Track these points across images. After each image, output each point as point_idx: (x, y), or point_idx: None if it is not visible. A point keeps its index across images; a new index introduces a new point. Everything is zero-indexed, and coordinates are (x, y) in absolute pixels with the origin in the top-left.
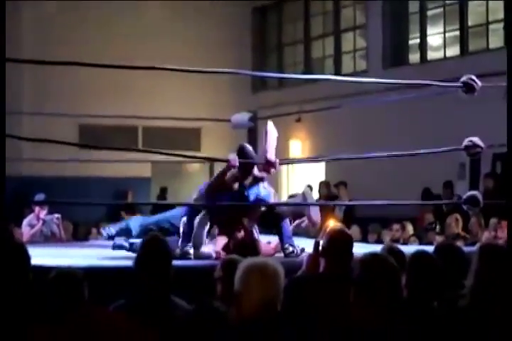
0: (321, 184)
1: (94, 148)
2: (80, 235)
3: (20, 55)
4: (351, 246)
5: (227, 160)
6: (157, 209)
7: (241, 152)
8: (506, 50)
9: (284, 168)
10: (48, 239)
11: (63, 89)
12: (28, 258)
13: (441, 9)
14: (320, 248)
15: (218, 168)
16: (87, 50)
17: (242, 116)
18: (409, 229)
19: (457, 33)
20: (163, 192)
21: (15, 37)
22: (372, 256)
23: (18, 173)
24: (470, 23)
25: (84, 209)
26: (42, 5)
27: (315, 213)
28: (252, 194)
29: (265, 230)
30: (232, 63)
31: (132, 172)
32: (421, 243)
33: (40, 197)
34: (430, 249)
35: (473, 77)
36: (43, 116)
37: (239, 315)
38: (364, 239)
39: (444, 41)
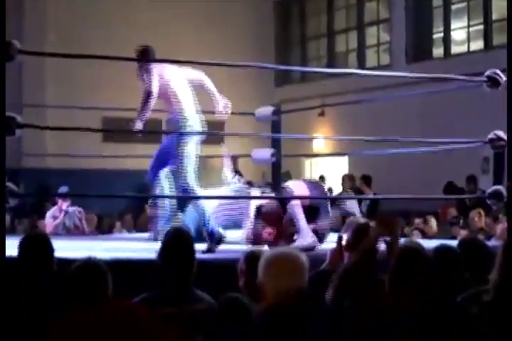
0: (345, 177)
1: (116, 133)
2: (104, 228)
3: (44, 48)
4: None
5: (248, 155)
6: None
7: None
8: (507, 49)
9: (307, 161)
10: (70, 231)
11: (86, 82)
12: (52, 249)
13: (465, 3)
14: (343, 242)
15: (241, 162)
16: (111, 43)
17: (266, 110)
18: (433, 223)
19: (481, 27)
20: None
21: (38, 31)
22: (409, 247)
23: (42, 166)
24: (494, 17)
25: (108, 202)
26: None
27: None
28: None
29: None
30: (255, 57)
31: None
32: (444, 237)
33: (63, 189)
34: (454, 243)
35: (498, 71)
36: (67, 110)
37: (262, 306)
38: None
39: (468, 35)
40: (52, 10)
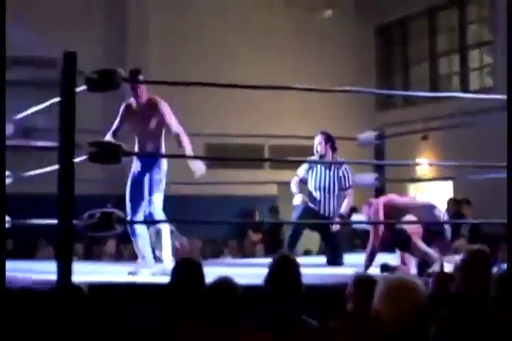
0: (450, 201)
1: (217, 159)
2: (207, 253)
3: (148, 75)
4: (490, 264)
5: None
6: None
7: None
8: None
9: (411, 186)
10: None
11: (189, 108)
12: (202, 275)
13: None
14: (445, 268)
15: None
16: (211, 70)
17: (369, 135)
18: None
19: None
20: (274, 212)
21: (141, 59)
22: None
23: None
24: None
25: (212, 228)
26: (169, 22)
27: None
28: None
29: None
30: (356, 82)
31: (258, 191)
32: None
33: None
34: None
35: None
36: (168, 137)
37: (378, 332)
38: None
39: None
40: (155, 36)
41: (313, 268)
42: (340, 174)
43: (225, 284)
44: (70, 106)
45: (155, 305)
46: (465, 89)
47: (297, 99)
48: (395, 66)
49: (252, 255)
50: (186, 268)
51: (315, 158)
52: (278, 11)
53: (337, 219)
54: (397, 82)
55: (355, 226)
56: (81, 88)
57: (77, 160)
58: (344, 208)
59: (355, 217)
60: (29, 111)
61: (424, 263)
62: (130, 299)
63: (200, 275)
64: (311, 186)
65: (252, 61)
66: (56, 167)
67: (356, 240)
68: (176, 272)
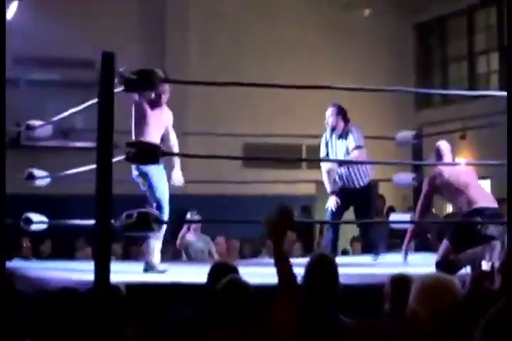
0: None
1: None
2: (245, 253)
3: (187, 74)
4: None
5: (389, 180)
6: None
7: None
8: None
9: None
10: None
11: (227, 109)
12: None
13: None
14: (484, 267)
15: (381, 185)
16: (252, 68)
17: (407, 134)
18: None
19: None
20: (306, 211)
21: (181, 57)
22: None
23: (183, 192)
24: None
25: (250, 228)
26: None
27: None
28: None
29: None
30: (394, 80)
31: (296, 190)
32: None
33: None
34: None
35: None
36: (208, 137)
37: (414, 331)
38: None
39: None
40: (194, 36)
41: (351, 268)
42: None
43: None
44: (108, 107)
45: (192, 306)
46: (503, 87)
47: (335, 99)
48: (433, 65)
49: (289, 254)
50: (221, 272)
51: (327, 131)
52: (317, 9)
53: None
54: (436, 81)
55: (393, 225)
56: (119, 89)
57: (114, 160)
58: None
59: (393, 217)
60: (68, 112)
61: (449, 261)
62: (168, 299)
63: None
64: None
65: (289, 60)
66: (94, 167)
67: (395, 240)
68: (211, 275)
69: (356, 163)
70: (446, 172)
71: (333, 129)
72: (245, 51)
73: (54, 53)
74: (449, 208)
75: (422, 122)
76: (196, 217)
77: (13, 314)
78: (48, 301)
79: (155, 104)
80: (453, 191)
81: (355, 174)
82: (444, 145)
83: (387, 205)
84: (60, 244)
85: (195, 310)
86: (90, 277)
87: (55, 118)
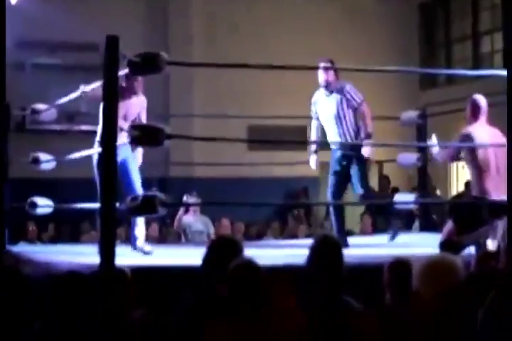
0: None
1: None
2: (251, 235)
3: (191, 56)
4: None
5: (394, 160)
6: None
7: None
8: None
9: (453, 165)
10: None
11: (232, 90)
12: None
13: None
14: (489, 247)
15: (387, 166)
16: (255, 49)
17: (411, 114)
18: None
19: None
20: (304, 193)
21: (184, 41)
22: None
23: (188, 175)
24: None
25: (255, 210)
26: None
27: None
28: None
29: None
30: (399, 60)
31: (301, 172)
32: None
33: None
34: None
35: None
36: (212, 120)
37: (416, 311)
38: None
39: None
40: (198, 19)
41: (356, 249)
42: (346, 95)
43: (248, 265)
44: (112, 90)
45: (196, 288)
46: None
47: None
48: (437, 44)
49: (295, 236)
50: (223, 245)
51: (321, 88)
52: None
53: (364, 142)
54: (440, 61)
55: (398, 206)
56: (123, 71)
57: (119, 143)
58: (367, 128)
59: (397, 197)
60: (72, 96)
61: (453, 242)
62: (174, 282)
63: (239, 251)
64: (322, 120)
65: (295, 41)
66: (99, 150)
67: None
68: (212, 248)
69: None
70: (478, 138)
71: (326, 86)
72: (248, 33)
73: (59, 37)
74: (454, 190)
75: (427, 102)
76: (195, 199)
77: (21, 298)
78: (55, 284)
79: (125, 91)
80: (473, 165)
81: (347, 131)
82: (482, 99)
83: (391, 185)
84: (66, 228)
85: (197, 294)
86: (96, 260)
87: (60, 102)
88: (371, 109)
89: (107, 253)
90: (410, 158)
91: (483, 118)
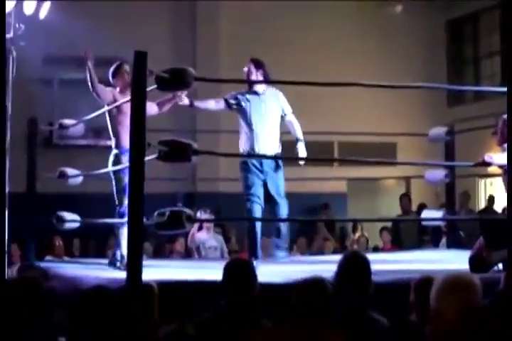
0: None
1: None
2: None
3: (218, 72)
4: None
5: (421, 177)
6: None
7: None
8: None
9: (481, 181)
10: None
11: None
12: (255, 274)
13: None
14: None
15: (414, 183)
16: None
17: (439, 130)
18: None
19: None
20: (325, 208)
21: (212, 56)
22: None
23: (215, 190)
24: None
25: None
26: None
27: None
28: None
29: None
30: (427, 77)
31: (328, 188)
32: None
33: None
34: None
35: None
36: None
37: (436, 331)
38: None
39: None
40: (225, 35)
41: (384, 265)
42: (278, 101)
43: (315, 284)
44: (140, 106)
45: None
46: None
47: (368, 96)
48: (465, 61)
49: (321, 252)
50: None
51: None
52: (348, 6)
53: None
54: (468, 77)
55: (425, 222)
56: (152, 87)
57: (147, 158)
58: (298, 133)
59: (425, 213)
60: (100, 111)
61: (482, 258)
62: (199, 296)
63: (252, 274)
64: (246, 123)
65: (322, 57)
66: (126, 165)
67: (425, 236)
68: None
69: (388, 162)
70: None
71: (252, 87)
72: (273, 49)
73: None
74: (484, 203)
75: (456, 118)
76: (207, 216)
77: (46, 313)
78: (81, 300)
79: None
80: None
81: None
82: None
83: (418, 202)
84: (92, 243)
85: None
86: (123, 275)
87: (87, 117)
88: (400, 125)
89: (134, 268)
90: (438, 174)
91: None
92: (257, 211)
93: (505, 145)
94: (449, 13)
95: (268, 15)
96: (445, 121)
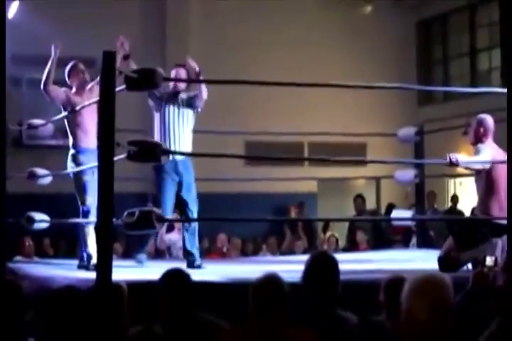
0: None
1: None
2: (248, 251)
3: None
4: None
5: (391, 177)
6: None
7: None
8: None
9: (450, 181)
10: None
11: (229, 107)
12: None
13: None
14: (488, 263)
15: (384, 183)
16: (252, 67)
17: (409, 130)
18: None
19: None
20: (301, 208)
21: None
22: None
23: None
24: None
25: (251, 226)
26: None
27: None
28: None
29: None
30: (396, 77)
31: (298, 188)
32: None
33: None
34: None
35: None
36: (210, 135)
37: (408, 331)
38: None
39: None
40: (195, 35)
41: (354, 264)
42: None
43: (272, 281)
44: (109, 106)
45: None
46: (505, 84)
47: (338, 96)
48: (435, 61)
49: (292, 252)
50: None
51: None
52: (318, 6)
53: None
54: (438, 78)
55: (395, 222)
56: (120, 87)
57: (116, 158)
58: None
59: (395, 213)
60: (65, 113)
61: (451, 258)
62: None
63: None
64: (158, 126)
65: (291, 58)
66: (95, 165)
67: (396, 236)
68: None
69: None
70: (494, 153)
71: (178, 92)
72: (246, 49)
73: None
74: (449, 203)
75: (425, 119)
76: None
77: (16, 313)
78: (50, 300)
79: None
80: (483, 183)
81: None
82: (490, 119)
83: (387, 202)
84: (63, 242)
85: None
86: (92, 275)
87: (57, 117)
88: (370, 125)
89: (104, 268)
90: (407, 174)
91: (491, 138)
92: None
93: (479, 145)
94: (418, 13)
95: (235, 14)
96: (416, 121)
